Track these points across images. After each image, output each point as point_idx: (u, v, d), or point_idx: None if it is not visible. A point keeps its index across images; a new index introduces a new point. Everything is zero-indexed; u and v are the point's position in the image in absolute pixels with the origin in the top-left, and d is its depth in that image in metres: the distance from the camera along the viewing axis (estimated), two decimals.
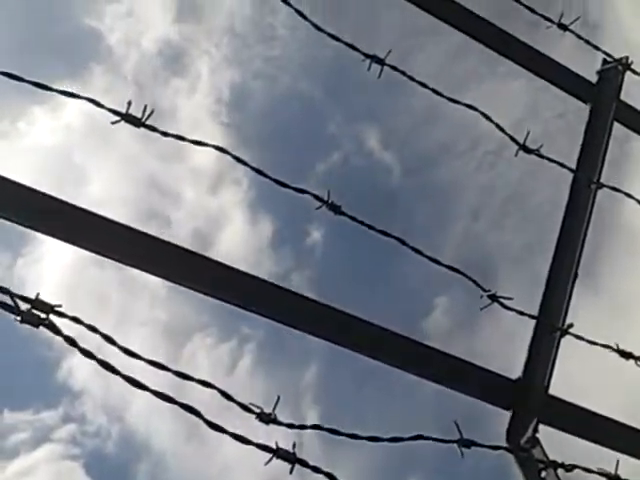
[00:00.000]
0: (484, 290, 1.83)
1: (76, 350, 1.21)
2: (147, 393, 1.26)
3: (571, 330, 1.97)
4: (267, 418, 1.32)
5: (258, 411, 1.34)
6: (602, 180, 2.17)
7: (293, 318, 1.68)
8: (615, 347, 2.05)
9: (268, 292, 1.66)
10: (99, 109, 1.41)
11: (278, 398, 1.33)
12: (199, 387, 1.33)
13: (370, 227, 1.64)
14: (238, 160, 1.52)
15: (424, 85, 1.91)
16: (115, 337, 1.28)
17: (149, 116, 1.39)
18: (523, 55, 2.29)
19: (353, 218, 1.59)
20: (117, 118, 1.37)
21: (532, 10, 2.18)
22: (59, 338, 1.21)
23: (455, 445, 1.54)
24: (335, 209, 1.55)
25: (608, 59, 2.35)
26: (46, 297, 1.22)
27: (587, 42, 2.27)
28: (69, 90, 1.37)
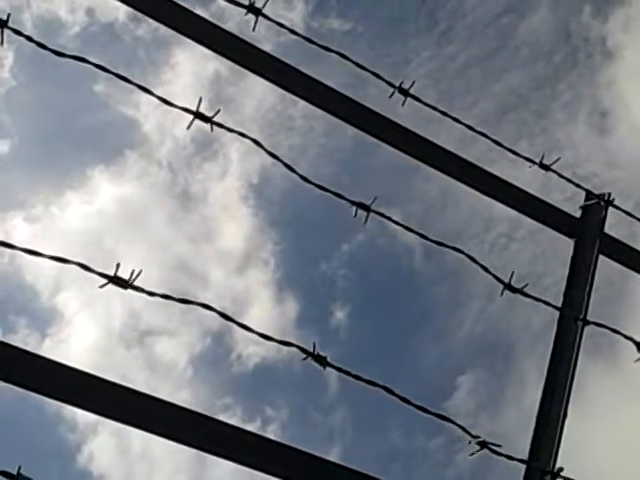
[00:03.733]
0: (472, 436, 1.81)
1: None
2: None
3: (562, 474, 1.95)
4: None
5: None
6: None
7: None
8: None
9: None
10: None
11: None
12: None
13: (357, 377, 1.64)
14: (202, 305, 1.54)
15: (410, 229, 1.95)
16: None
17: (137, 277, 1.41)
18: (507, 194, 2.34)
19: (339, 369, 1.59)
20: (105, 281, 1.39)
21: (514, 152, 2.24)
22: None
23: None
24: (321, 361, 1.55)
25: (591, 194, 2.41)
26: None
27: (569, 181, 2.33)
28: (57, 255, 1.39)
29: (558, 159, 2.29)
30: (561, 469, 1.96)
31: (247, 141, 1.76)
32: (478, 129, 2.27)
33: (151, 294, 1.46)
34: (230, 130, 1.67)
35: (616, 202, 2.37)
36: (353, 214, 1.86)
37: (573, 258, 2.32)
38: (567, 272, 2.31)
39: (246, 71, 2.02)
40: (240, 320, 1.60)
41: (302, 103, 2.09)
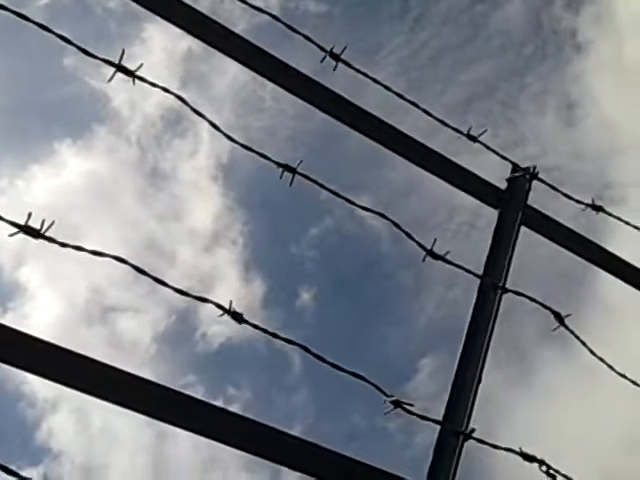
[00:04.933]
0: (386, 395, 1.86)
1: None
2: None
3: (474, 434, 2.01)
4: None
5: None
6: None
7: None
8: (518, 450, 2.09)
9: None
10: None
11: None
12: None
13: (274, 335, 1.66)
14: (137, 270, 1.54)
15: (336, 193, 1.98)
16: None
17: (49, 228, 1.41)
18: (436, 164, 2.38)
19: (255, 326, 1.62)
20: (15, 230, 1.39)
21: (443, 122, 2.28)
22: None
23: None
24: (237, 318, 1.58)
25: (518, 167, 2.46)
26: None
27: (495, 152, 2.38)
28: None
29: (485, 131, 2.34)
30: (473, 430, 2.02)
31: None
32: (409, 98, 2.30)
33: (63, 245, 1.45)
34: (154, 85, 1.66)
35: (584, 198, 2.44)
36: (279, 176, 1.87)
37: (496, 228, 2.38)
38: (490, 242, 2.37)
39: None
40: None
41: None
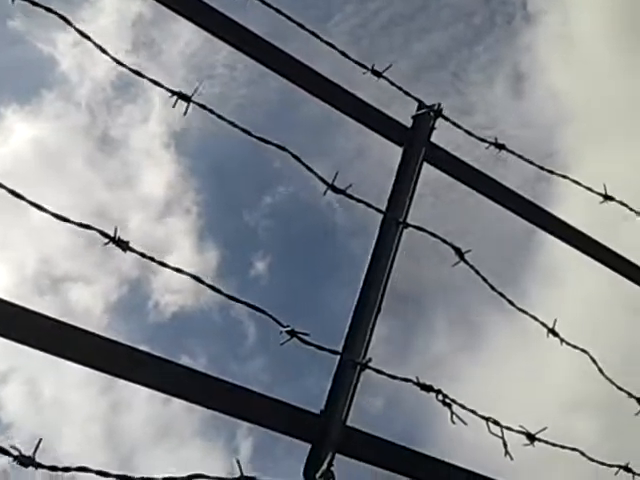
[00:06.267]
0: (282, 326, 1.87)
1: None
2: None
3: (370, 364, 2.05)
4: None
5: None
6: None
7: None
8: (415, 380, 2.14)
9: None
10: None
11: None
12: None
13: (161, 263, 1.65)
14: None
15: (232, 123, 1.96)
16: None
17: None
18: (342, 101, 2.38)
19: (142, 254, 1.60)
20: None
21: (345, 55, 2.27)
22: None
23: None
24: (122, 245, 1.55)
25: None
26: None
27: (399, 89, 2.39)
28: None
29: (390, 66, 2.34)
30: (370, 359, 2.05)
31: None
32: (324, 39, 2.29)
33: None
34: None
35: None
36: (172, 105, 1.84)
37: (400, 165, 2.40)
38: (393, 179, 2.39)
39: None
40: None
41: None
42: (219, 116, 1.92)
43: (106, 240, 1.56)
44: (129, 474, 1.47)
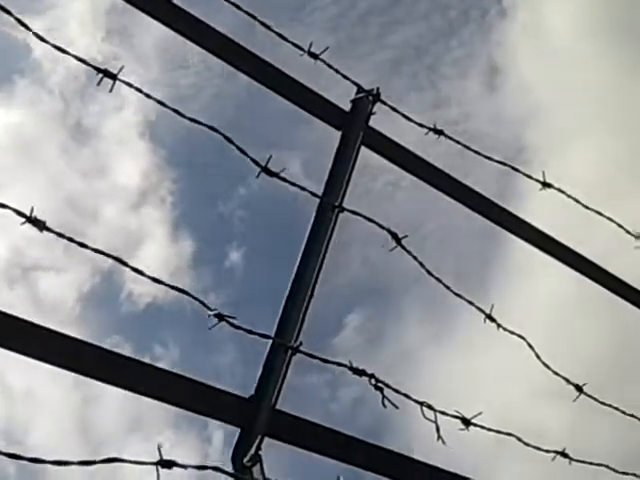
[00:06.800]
0: (210, 309, 1.85)
1: None
2: None
3: (301, 348, 2.03)
4: None
5: None
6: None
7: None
8: (348, 365, 2.12)
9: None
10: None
11: None
12: None
13: (82, 245, 1.62)
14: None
15: (161, 103, 1.93)
16: None
17: None
18: (281, 84, 2.35)
19: (59, 234, 1.56)
20: None
21: (282, 37, 2.25)
22: None
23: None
24: (38, 225, 1.52)
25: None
26: None
27: (337, 71, 2.37)
28: None
29: (327, 48, 2.32)
30: (301, 343, 2.04)
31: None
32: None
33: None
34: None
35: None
36: (97, 82, 1.80)
37: (338, 149, 2.38)
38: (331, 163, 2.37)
39: None
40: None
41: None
42: (147, 95, 1.89)
43: (22, 220, 1.52)
44: (43, 457, 1.44)
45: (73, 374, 1.75)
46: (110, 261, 1.61)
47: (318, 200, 2.26)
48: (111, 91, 1.81)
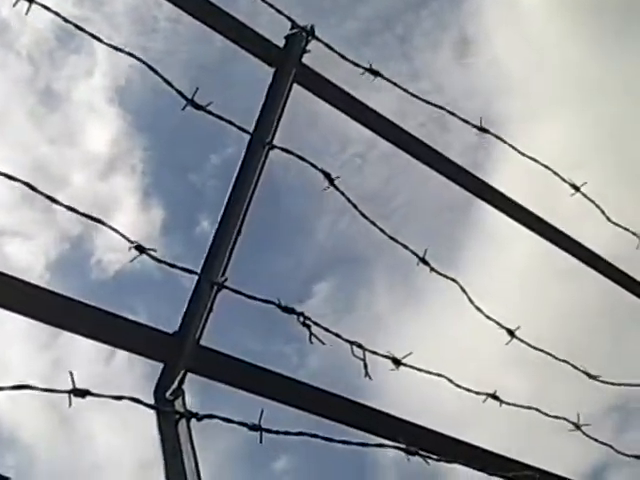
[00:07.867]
0: (130, 242, 1.81)
1: None
2: None
3: (226, 284, 2.01)
4: None
5: None
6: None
7: None
8: (277, 302, 2.10)
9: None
10: None
11: None
12: None
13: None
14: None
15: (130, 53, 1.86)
16: None
17: None
18: (214, 19, 2.29)
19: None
20: None
21: None
22: None
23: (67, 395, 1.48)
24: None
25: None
26: None
27: (271, 6, 2.32)
28: None
29: None
30: (226, 279, 2.01)
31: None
32: None
33: None
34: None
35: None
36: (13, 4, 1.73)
37: (270, 86, 2.34)
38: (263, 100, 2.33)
39: None
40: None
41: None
42: (65, 20, 1.82)
43: None
44: None
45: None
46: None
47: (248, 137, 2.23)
48: (27, 13, 1.74)
